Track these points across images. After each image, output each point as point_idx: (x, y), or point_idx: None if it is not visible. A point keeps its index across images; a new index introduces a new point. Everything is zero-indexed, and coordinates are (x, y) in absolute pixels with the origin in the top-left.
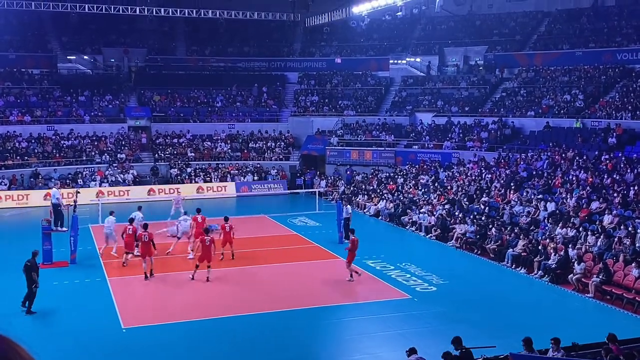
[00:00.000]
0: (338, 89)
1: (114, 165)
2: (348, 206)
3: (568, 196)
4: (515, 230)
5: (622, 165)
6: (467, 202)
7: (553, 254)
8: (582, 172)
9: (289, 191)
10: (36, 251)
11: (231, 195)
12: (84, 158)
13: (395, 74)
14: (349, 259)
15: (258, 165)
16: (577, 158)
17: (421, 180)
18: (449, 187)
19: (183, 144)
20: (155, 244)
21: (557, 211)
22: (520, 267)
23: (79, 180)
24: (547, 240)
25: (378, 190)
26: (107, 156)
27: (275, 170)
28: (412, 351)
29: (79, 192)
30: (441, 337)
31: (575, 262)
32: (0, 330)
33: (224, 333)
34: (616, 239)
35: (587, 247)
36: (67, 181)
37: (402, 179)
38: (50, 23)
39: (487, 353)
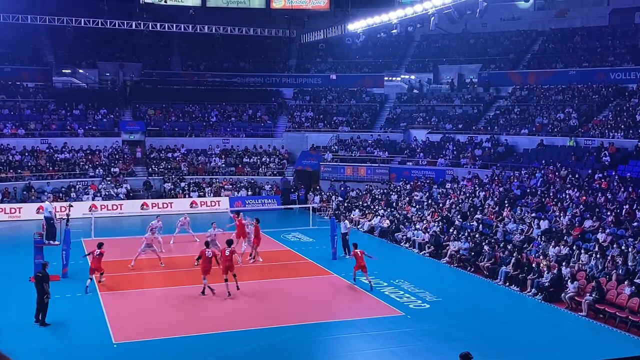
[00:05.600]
0: (333, 105)
1: (108, 179)
2: (346, 221)
3: (561, 214)
4: (509, 248)
5: (615, 184)
6: (460, 220)
7: (546, 271)
8: (575, 190)
9: (283, 206)
10: (46, 262)
11: (224, 210)
12: (78, 172)
13: (389, 91)
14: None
15: (252, 181)
16: (570, 176)
17: (415, 197)
18: (442, 204)
19: (177, 159)
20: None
21: (551, 229)
22: (514, 285)
23: (72, 194)
24: (540, 257)
25: (372, 207)
26: (101, 170)
27: (270, 186)
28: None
29: (71, 206)
30: (434, 355)
31: (569, 281)
32: None
33: (215, 349)
34: (609, 258)
35: (581, 265)
36: (60, 194)
37: (396, 196)
38: (46, 37)
39: None
